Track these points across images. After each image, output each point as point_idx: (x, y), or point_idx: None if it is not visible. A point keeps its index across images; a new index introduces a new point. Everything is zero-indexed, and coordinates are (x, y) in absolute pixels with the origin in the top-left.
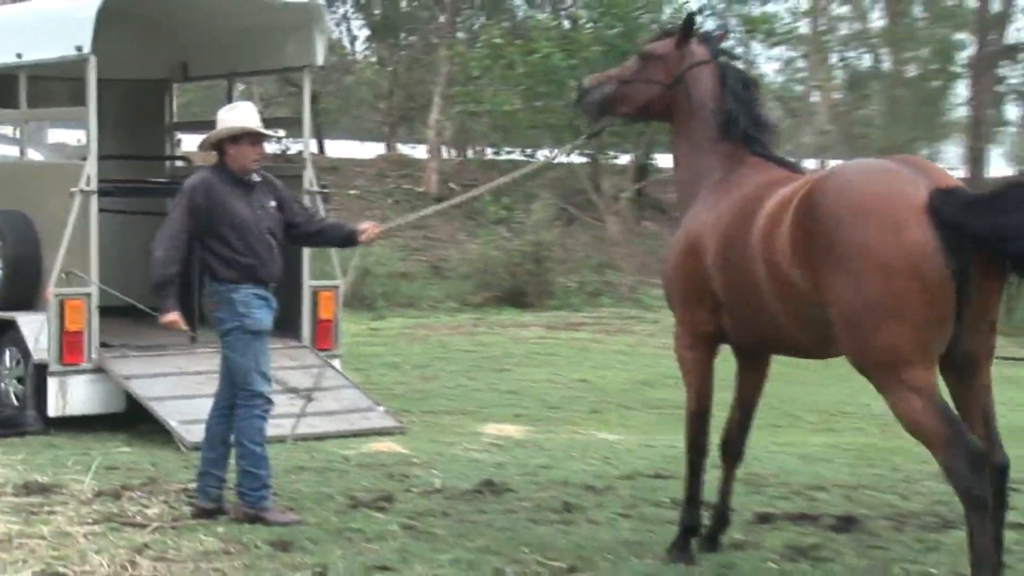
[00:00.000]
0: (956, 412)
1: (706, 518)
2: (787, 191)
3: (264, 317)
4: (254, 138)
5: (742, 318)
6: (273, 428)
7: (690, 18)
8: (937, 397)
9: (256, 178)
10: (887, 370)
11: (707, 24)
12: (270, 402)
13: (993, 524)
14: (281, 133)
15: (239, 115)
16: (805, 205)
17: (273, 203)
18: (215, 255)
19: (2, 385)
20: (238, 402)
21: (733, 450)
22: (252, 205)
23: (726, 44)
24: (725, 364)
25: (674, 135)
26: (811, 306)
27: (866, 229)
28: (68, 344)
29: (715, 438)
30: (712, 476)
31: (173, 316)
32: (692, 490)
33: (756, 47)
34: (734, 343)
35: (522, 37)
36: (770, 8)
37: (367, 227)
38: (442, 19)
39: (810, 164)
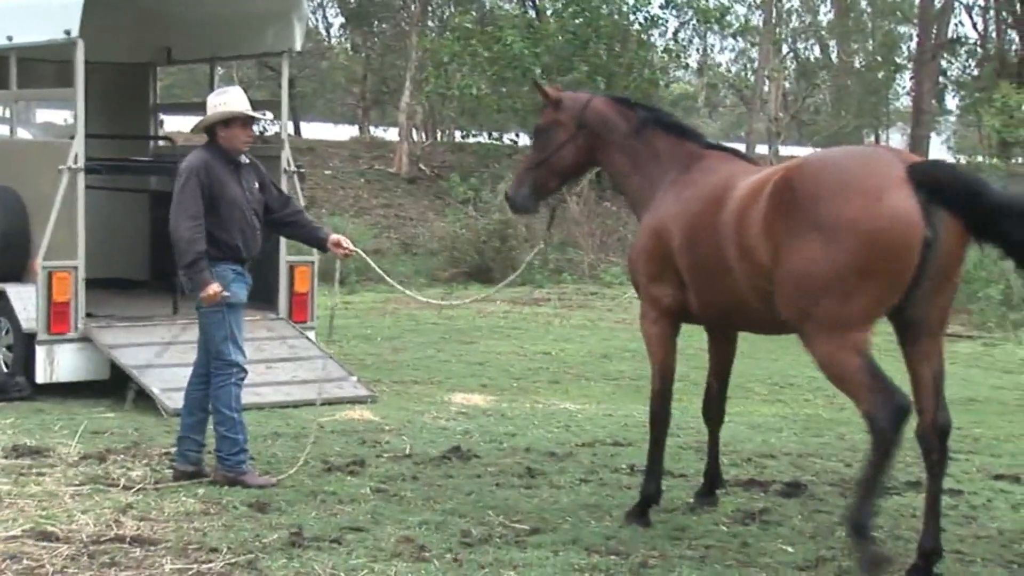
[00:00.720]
0: (911, 376)
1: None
2: (757, 178)
3: (239, 291)
4: (244, 121)
5: (709, 298)
6: (251, 396)
7: (535, 83)
8: (869, 353)
9: (245, 160)
10: (835, 329)
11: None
12: (244, 371)
13: (933, 482)
14: (269, 116)
15: (230, 100)
16: (781, 187)
17: (257, 184)
18: (205, 233)
19: None
20: (214, 371)
21: (713, 415)
22: (242, 185)
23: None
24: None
25: (605, 163)
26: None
27: (849, 200)
28: (56, 314)
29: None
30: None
31: (215, 287)
32: (654, 461)
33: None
34: (700, 321)
35: (490, 25)
36: (725, 0)
37: (345, 245)
38: (414, 7)
39: (762, 150)
